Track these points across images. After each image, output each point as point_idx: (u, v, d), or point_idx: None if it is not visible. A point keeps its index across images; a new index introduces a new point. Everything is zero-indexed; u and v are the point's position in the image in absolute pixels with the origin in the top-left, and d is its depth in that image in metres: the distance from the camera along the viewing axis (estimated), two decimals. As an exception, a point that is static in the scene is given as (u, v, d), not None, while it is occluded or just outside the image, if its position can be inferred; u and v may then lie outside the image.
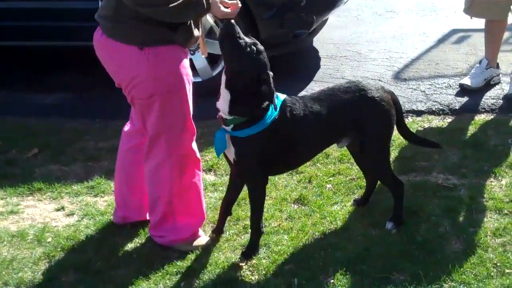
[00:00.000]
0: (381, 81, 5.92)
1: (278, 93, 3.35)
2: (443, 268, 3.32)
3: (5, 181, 4.49)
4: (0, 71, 6.67)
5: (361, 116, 3.51)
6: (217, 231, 3.73)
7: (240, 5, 3.35)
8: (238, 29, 3.18)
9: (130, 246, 3.68)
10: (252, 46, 3.18)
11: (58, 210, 4.15)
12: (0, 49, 6.64)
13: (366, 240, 3.62)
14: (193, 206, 3.61)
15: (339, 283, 3.27)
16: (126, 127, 3.72)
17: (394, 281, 3.26)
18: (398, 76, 6.05)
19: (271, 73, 3.24)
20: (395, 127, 3.65)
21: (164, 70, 3.24)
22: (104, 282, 3.39)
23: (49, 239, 3.78)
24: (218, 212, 3.91)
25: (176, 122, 3.38)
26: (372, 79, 5.96)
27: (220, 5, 3.26)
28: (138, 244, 3.70)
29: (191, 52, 5.61)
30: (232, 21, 3.19)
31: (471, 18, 5.63)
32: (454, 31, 7.29)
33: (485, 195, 4.00)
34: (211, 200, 4.13)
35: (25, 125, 5.42)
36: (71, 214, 4.04)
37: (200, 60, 5.57)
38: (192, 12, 3.16)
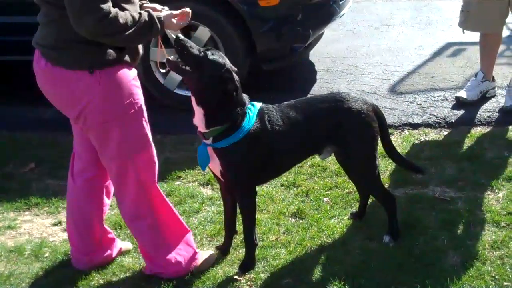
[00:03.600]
0: (377, 94, 5.94)
1: (254, 102, 3.38)
2: (441, 281, 3.32)
3: (1, 195, 4.48)
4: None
5: (337, 128, 3.49)
6: (223, 249, 3.71)
7: (189, 10, 3.34)
8: (188, 41, 3.19)
9: (127, 260, 3.67)
10: (205, 52, 3.21)
11: (55, 225, 4.14)
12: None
13: (364, 253, 3.62)
14: (177, 224, 3.51)
15: (337, 296, 3.27)
16: (75, 167, 3.53)
17: (393, 295, 3.26)
18: (394, 90, 6.07)
19: (233, 68, 3.25)
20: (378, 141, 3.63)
21: (117, 91, 3.13)
22: (102, 297, 3.39)
23: (47, 254, 3.77)
24: (216, 226, 3.92)
25: (139, 144, 3.27)
26: (368, 92, 5.98)
27: (173, 20, 3.23)
28: (135, 259, 3.69)
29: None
30: (179, 34, 3.20)
31: (463, 32, 5.65)
32: (450, 45, 7.31)
33: (482, 208, 4.01)
34: (208, 214, 4.12)
35: (21, 139, 5.40)
36: (68, 229, 4.04)
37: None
38: (148, 34, 3.11)
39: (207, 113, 3.24)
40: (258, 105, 3.40)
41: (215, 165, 3.39)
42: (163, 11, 3.24)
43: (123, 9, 3.03)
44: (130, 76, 3.20)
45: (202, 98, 3.23)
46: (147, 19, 3.05)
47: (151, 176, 3.37)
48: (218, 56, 3.24)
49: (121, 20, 2.93)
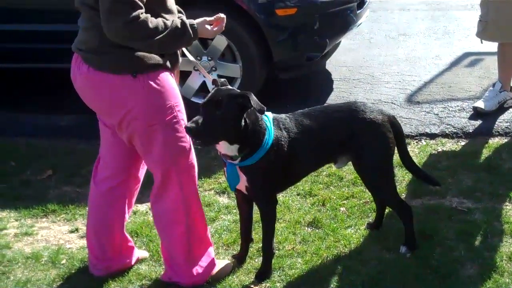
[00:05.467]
0: (394, 104, 5.93)
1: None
2: (459, 293, 3.30)
3: (19, 202, 4.51)
4: (14, 92, 6.72)
5: (352, 138, 3.48)
6: (239, 258, 3.71)
7: (223, 16, 3.35)
8: (196, 122, 3.09)
9: (143, 268, 3.68)
10: (223, 93, 3.16)
11: (72, 232, 4.16)
12: (15, 71, 6.71)
13: (380, 263, 3.60)
14: (205, 236, 3.52)
15: (353, 307, 3.25)
16: (99, 173, 3.53)
17: (409, 306, 3.25)
18: (411, 99, 6.05)
19: (246, 93, 3.15)
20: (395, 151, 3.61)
21: (160, 96, 3.15)
22: (118, 304, 3.40)
23: (63, 261, 3.79)
24: (232, 234, 3.92)
25: (182, 150, 3.28)
26: (385, 102, 5.97)
27: (207, 26, 3.24)
28: (151, 267, 3.70)
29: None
30: (189, 124, 3.08)
31: (482, 42, 5.63)
32: (467, 54, 7.29)
33: (500, 219, 3.98)
34: (224, 222, 4.12)
35: (38, 146, 5.44)
36: (85, 235, 4.00)
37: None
38: (181, 41, 3.12)
39: (242, 145, 3.24)
40: (270, 115, 3.39)
41: (241, 182, 3.37)
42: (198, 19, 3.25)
43: (162, 18, 3.07)
44: (170, 80, 3.23)
45: (232, 136, 3.20)
46: (179, 25, 3.07)
47: (193, 180, 3.38)
48: (229, 93, 3.17)
49: (150, 25, 2.96)
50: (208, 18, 3.29)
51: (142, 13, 2.94)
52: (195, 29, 3.15)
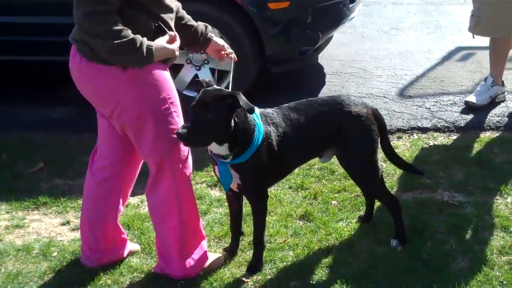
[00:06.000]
0: (386, 98, 5.94)
1: None
2: (449, 286, 3.30)
3: (10, 195, 4.50)
4: (4, 85, 6.70)
5: (337, 131, 3.50)
6: (230, 251, 3.71)
7: (230, 51, 3.46)
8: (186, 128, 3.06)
9: (135, 261, 3.67)
10: (211, 94, 3.13)
11: (63, 224, 4.15)
12: (4, 64, 6.69)
13: (371, 257, 3.61)
14: (198, 229, 3.52)
15: (344, 300, 3.26)
16: (96, 163, 3.52)
17: (400, 299, 3.26)
18: (403, 93, 6.06)
19: (234, 94, 3.11)
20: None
21: (150, 87, 3.15)
22: (109, 297, 3.39)
23: (55, 254, 3.78)
24: (223, 227, 3.92)
25: (175, 142, 3.25)
26: (377, 96, 5.98)
27: (166, 45, 3.10)
28: (143, 259, 3.69)
29: (197, 68, 5.65)
30: (180, 130, 3.04)
31: (473, 37, 5.64)
32: (459, 49, 7.31)
33: (491, 213, 3.99)
34: (216, 215, 4.13)
35: (30, 139, 5.43)
36: (76, 228, 4.03)
37: (205, 75, 5.59)
38: (130, 56, 2.98)
39: (231, 144, 3.22)
40: (257, 110, 3.36)
41: (233, 180, 3.37)
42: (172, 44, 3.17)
43: (157, 15, 3.07)
44: (162, 72, 3.21)
45: (221, 137, 3.19)
46: (137, 41, 2.96)
47: (186, 173, 3.37)
48: (219, 94, 3.15)
49: (108, 26, 2.89)
50: (216, 40, 3.45)
51: (107, 11, 2.89)
52: (151, 51, 3.02)
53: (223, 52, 3.59)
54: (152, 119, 3.18)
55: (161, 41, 3.10)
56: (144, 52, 2.99)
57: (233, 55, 3.57)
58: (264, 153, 3.30)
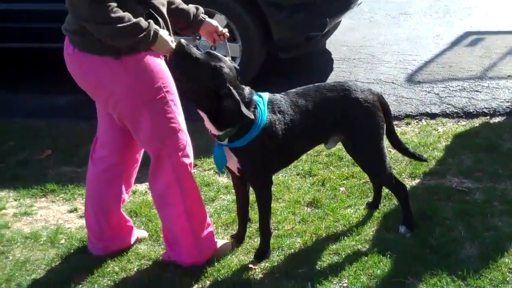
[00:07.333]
0: (395, 83, 5.90)
1: (261, 93, 3.35)
2: (458, 273, 3.28)
3: (18, 182, 4.51)
4: (11, 73, 6.69)
5: (344, 117, 3.49)
6: (237, 238, 3.70)
7: (225, 31, 3.37)
8: (190, 47, 3.08)
9: (141, 248, 3.68)
10: (206, 62, 3.12)
11: (71, 211, 4.16)
12: (11, 51, 6.68)
13: (380, 243, 3.59)
14: (204, 217, 3.49)
15: (353, 287, 3.25)
16: (97, 153, 3.53)
17: (409, 286, 3.24)
18: (411, 79, 6.02)
19: (230, 87, 3.13)
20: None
21: (144, 77, 3.13)
22: (117, 284, 3.39)
23: (62, 241, 3.78)
24: (231, 214, 3.91)
25: (172, 131, 3.25)
26: (385, 81, 5.94)
27: (168, 40, 3.11)
28: (150, 246, 3.69)
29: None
30: (182, 40, 3.08)
31: None
32: (468, 34, 7.24)
33: (500, 199, 3.96)
34: (223, 202, 4.12)
35: (36, 126, 5.44)
36: (84, 215, 4.02)
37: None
38: (135, 39, 2.98)
39: (212, 118, 3.22)
40: (266, 96, 3.37)
41: (232, 163, 3.37)
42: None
43: (148, 2, 3.05)
44: (157, 61, 3.19)
45: (201, 103, 3.19)
46: (142, 24, 2.97)
47: (185, 161, 3.35)
48: (220, 70, 3.14)
49: (113, 14, 2.89)
50: (210, 22, 3.37)
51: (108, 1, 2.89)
52: (156, 35, 3.03)
53: (217, 33, 3.52)
54: (147, 109, 3.17)
55: (165, 33, 3.10)
56: (151, 37, 3.00)
57: (225, 31, 3.49)
58: (265, 140, 3.29)
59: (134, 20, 2.95)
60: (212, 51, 3.20)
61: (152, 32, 3.00)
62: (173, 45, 3.11)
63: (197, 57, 3.10)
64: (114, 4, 2.91)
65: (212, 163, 4.61)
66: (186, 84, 3.16)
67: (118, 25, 2.91)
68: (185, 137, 3.33)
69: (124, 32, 2.94)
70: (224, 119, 3.20)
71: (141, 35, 2.97)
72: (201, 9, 3.49)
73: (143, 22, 2.98)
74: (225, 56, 3.23)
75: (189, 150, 3.38)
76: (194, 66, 3.10)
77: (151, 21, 3.02)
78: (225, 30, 3.45)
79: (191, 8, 3.44)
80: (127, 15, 2.94)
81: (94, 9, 2.89)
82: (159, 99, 3.18)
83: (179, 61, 3.11)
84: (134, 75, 3.11)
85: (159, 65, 3.19)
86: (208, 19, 3.48)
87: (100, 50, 3.06)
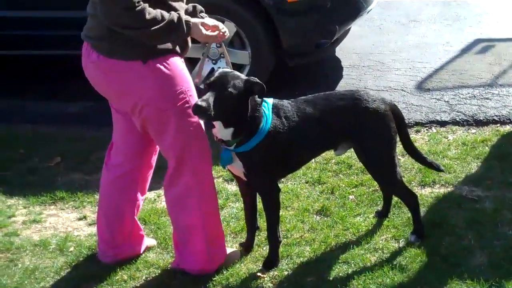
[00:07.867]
0: (404, 91, 5.88)
1: (265, 98, 3.35)
2: (468, 282, 3.27)
3: (27, 189, 4.52)
4: (21, 80, 6.72)
5: (354, 126, 3.47)
6: (246, 246, 3.70)
7: (222, 26, 3.32)
8: (203, 102, 3.05)
9: (150, 256, 3.67)
10: (233, 83, 3.15)
11: (80, 219, 4.16)
12: (21, 59, 6.71)
13: (389, 252, 3.58)
14: (219, 225, 3.49)
15: (362, 296, 3.24)
16: (112, 159, 3.54)
17: (418, 295, 3.23)
18: (421, 86, 6.00)
19: (252, 79, 3.20)
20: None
21: (170, 80, 3.15)
22: (126, 292, 3.39)
23: (71, 249, 3.79)
24: (240, 222, 3.91)
25: (195, 135, 3.27)
26: (395, 89, 5.93)
27: (202, 28, 3.18)
28: (159, 254, 3.69)
29: (213, 61, 5.62)
30: (199, 102, 3.05)
31: None
32: (478, 41, 7.21)
33: (510, 208, 3.94)
34: (232, 210, 4.12)
35: (46, 133, 5.44)
36: (93, 223, 4.04)
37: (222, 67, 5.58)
38: (172, 35, 3.08)
39: (237, 129, 3.23)
40: (270, 101, 3.37)
41: (237, 168, 3.37)
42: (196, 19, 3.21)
43: (171, 6, 3.06)
44: (180, 65, 3.22)
45: (231, 119, 3.20)
46: (175, 19, 3.03)
47: (207, 167, 3.36)
48: (243, 77, 3.21)
49: (148, 16, 2.93)
50: (206, 20, 3.27)
51: (140, 2, 2.92)
52: (189, 26, 3.10)
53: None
54: (173, 112, 3.18)
55: (198, 21, 3.17)
56: (185, 29, 3.06)
57: (226, 31, 3.47)
58: (269, 145, 3.28)
59: (165, 15, 2.99)
60: (220, 71, 3.21)
61: (184, 22, 3.05)
62: (206, 32, 3.18)
63: (227, 93, 3.11)
64: (146, 5, 2.94)
65: (221, 170, 4.62)
66: (231, 104, 3.15)
67: (154, 27, 2.95)
68: (207, 142, 3.34)
69: (162, 31, 2.98)
70: (245, 126, 3.22)
71: (178, 30, 3.04)
72: (199, 7, 3.44)
73: (174, 15, 3.02)
74: (223, 57, 3.24)
75: (210, 155, 3.39)
76: (225, 86, 3.12)
77: (179, 12, 3.07)
78: (225, 30, 3.43)
79: (188, 7, 3.40)
80: (158, 12, 2.98)
81: (129, 16, 2.92)
82: (184, 102, 3.20)
83: (217, 106, 3.08)
84: (161, 79, 3.13)
85: (182, 69, 3.22)
86: (206, 19, 3.40)
87: (127, 56, 3.08)
